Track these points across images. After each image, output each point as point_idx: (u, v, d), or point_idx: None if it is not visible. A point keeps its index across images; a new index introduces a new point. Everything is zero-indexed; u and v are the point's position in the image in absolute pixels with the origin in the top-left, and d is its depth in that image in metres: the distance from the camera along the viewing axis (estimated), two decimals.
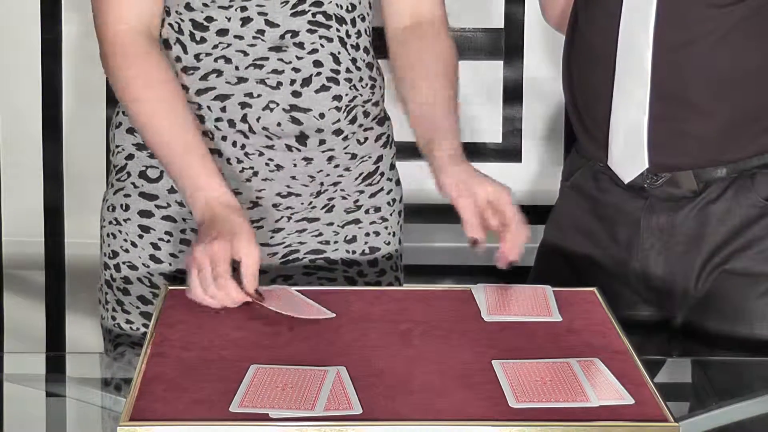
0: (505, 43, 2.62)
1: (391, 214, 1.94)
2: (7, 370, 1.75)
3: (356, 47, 1.83)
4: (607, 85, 1.91)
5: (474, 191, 1.72)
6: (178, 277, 1.84)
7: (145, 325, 1.87)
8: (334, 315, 1.61)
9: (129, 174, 1.86)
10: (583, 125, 1.98)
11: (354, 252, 1.90)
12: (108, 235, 1.88)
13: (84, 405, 1.67)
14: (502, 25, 2.63)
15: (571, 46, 2.00)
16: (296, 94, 1.78)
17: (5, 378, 1.71)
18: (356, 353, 1.49)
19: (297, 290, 1.67)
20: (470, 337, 1.55)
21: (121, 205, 1.86)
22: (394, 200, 1.94)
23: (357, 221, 1.90)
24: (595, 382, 1.42)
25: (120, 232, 1.86)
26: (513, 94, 2.63)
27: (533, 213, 2.67)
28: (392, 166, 1.95)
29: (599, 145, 1.94)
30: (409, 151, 2.60)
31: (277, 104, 1.78)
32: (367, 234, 1.91)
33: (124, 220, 1.86)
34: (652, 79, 1.87)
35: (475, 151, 2.60)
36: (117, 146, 1.89)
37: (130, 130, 1.86)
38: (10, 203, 2.76)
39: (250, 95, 1.78)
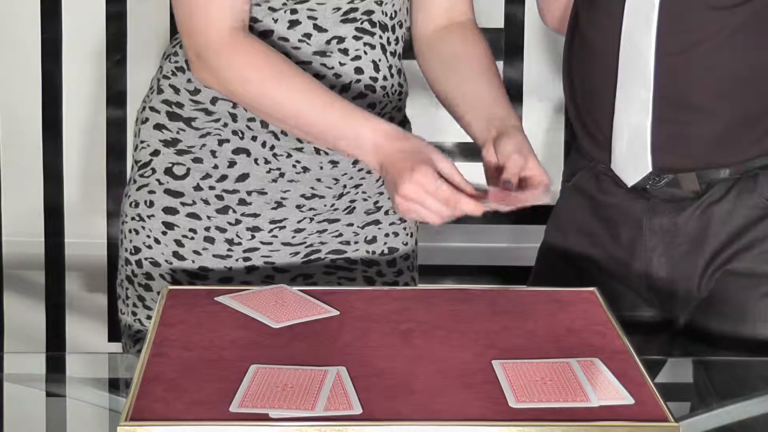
0: (505, 43, 2.62)
1: None
2: (7, 370, 1.75)
3: (394, 54, 1.83)
4: (609, 88, 1.91)
5: (527, 158, 1.69)
6: (200, 274, 1.84)
7: None
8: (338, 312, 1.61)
9: (154, 170, 1.85)
10: (585, 127, 1.98)
11: (374, 252, 1.91)
12: (130, 231, 1.87)
13: (84, 405, 1.67)
14: (502, 25, 2.63)
15: (572, 48, 2.00)
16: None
17: (5, 378, 1.71)
18: (356, 353, 1.49)
19: (299, 290, 1.68)
20: (470, 337, 1.55)
21: (145, 201, 1.86)
22: None
23: (377, 222, 1.90)
24: (595, 382, 1.42)
25: (143, 228, 1.86)
26: (513, 94, 2.63)
27: (533, 213, 2.68)
28: None
29: (601, 148, 1.94)
30: None
31: None
32: (387, 235, 1.91)
33: (148, 217, 1.86)
34: (654, 82, 1.86)
35: (475, 151, 2.59)
36: (142, 142, 1.87)
37: (159, 126, 1.85)
38: (10, 203, 2.76)
39: None
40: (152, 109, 1.86)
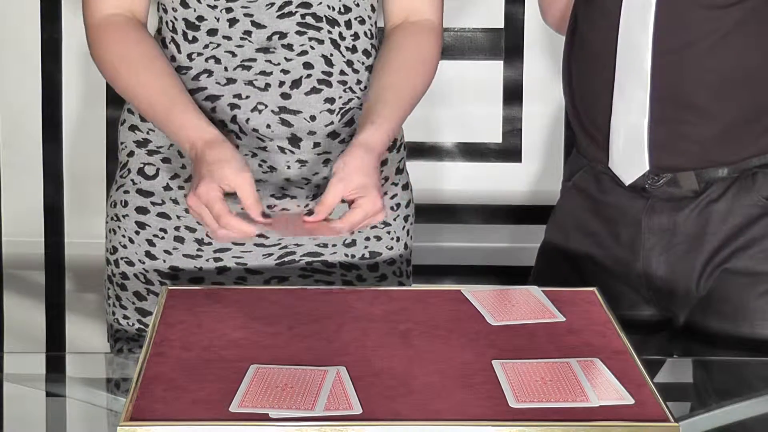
0: (505, 43, 2.62)
1: (395, 219, 1.93)
2: (7, 370, 1.75)
3: (353, 49, 1.83)
4: (607, 88, 1.91)
5: (351, 180, 1.68)
6: (171, 274, 1.84)
7: (140, 321, 1.87)
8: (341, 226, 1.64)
9: (129, 171, 1.87)
10: (583, 127, 1.98)
11: (353, 256, 1.90)
12: (110, 231, 1.90)
13: (84, 405, 1.67)
14: (502, 25, 2.62)
15: (571, 48, 2.00)
16: (285, 96, 1.78)
17: (5, 378, 1.71)
18: (356, 353, 1.49)
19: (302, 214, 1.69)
20: (470, 337, 1.55)
21: (121, 202, 1.87)
22: (398, 205, 1.93)
23: None
24: (595, 382, 1.42)
25: (119, 228, 1.87)
26: (513, 94, 2.63)
27: (533, 213, 2.68)
28: (399, 170, 1.94)
29: (599, 147, 1.94)
30: (420, 151, 2.61)
31: (266, 106, 1.78)
32: (368, 238, 1.90)
33: (123, 216, 1.87)
34: (651, 81, 1.87)
35: (475, 151, 2.60)
36: (121, 143, 1.90)
37: (133, 128, 1.87)
38: (10, 203, 2.76)
39: (238, 96, 1.78)
40: (129, 110, 1.90)
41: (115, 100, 2.74)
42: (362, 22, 1.84)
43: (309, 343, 1.52)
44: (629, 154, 1.90)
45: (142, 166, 1.86)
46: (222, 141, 1.69)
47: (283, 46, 1.78)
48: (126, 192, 1.87)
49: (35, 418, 1.67)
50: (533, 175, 2.65)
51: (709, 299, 1.92)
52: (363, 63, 1.84)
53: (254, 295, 1.68)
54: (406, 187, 1.96)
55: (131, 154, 1.87)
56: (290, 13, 1.78)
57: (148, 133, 1.85)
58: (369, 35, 1.85)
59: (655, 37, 1.86)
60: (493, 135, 2.65)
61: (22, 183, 2.75)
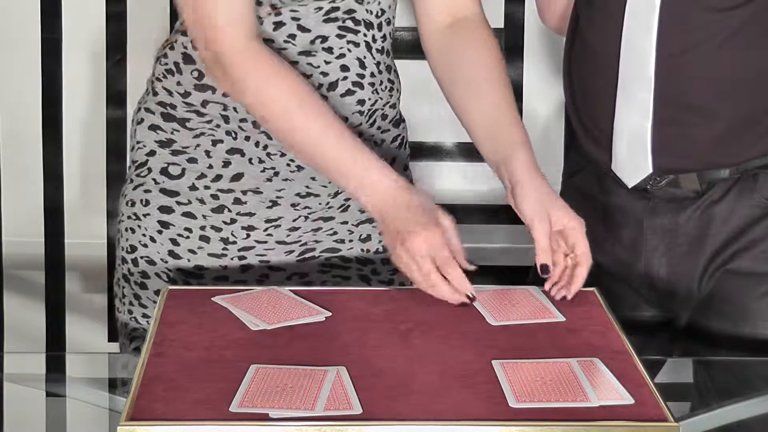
0: (505, 43, 2.62)
1: None
2: (7, 370, 1.75)
3: (381, 51, 1.83)
4: (610, 90, 1.91)
5: (551, 215, 1.69)
6: (196, 273, 1.84)
7: None
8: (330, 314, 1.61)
9: (150, 170, 1.86)
10: (585, 128, 1.98)
11: (368, 251, 1.91)
12: (126, 230, 1.88)
13: (84, 405, 1.67)
14: (502, 25, 2.63)
15: (572, 49, 2.00)
16: (322, 98, 1.77)
17: (5, 378, 1.71)
18: (356, 353, 1.49)
19: (290, 290, 1.68)
20: (470, 337, 1.55)
21: (141, 200, 1.86)
22: None
23: (371, 220, 1.89)
24: (595, 382, 1.42)
25: (139, 227, 1.86)
26: (513, 94, 2.63)
27: None
28: (405, 167, 1.95)
29: (602, 149, 1.94)
30: (421, 151, 2.62)
31: None
32: (381, 233, 1.91)
33: (144, 215, 1.86)
34: (655, 83, 1.87)
35: (475, 151, 2.59)
36: (138, 142, 1.88)
37: (154, 127, 1.85)
38: (10, 203, 2.76)
39: None
40: (147, 110, 1.87)
41: (115, 100, 2.74)
42: (388, 23, 1.85)
43: (309, 343, 1.52)
44: (633, 157, 1.90)
45: (165, 165, 1.85)
46: (411, 186, 1.68)
47: (323, 49, 1.78)
48: (147, 191, 1.86)
49: (35, 418, 1.67)
50: None
51: (711, 300, 1.92)
52: (385, 64, 1.85)
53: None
54: (411, 183, 1.96)
55: (152, 153, 1.86)
56: (335, 18, 1.78)
57: (172, 133, 1.84)
58: (391, 36, 1.86)
59: (659, 40, 1.86)
60: None
61: (22, 183, 2.75)
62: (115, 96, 2.74)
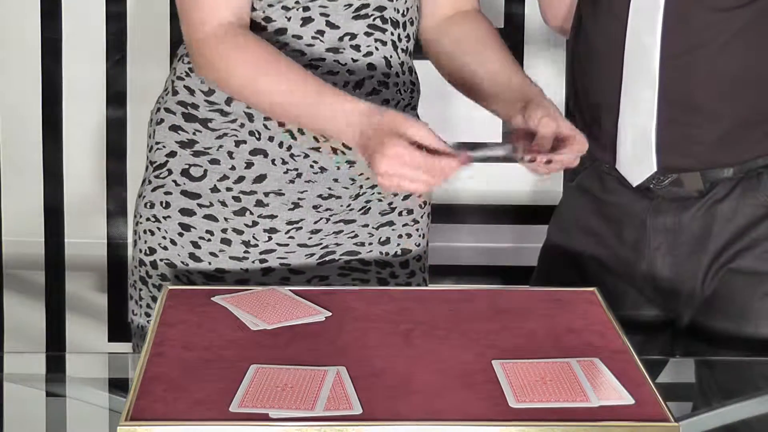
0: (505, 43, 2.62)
1: (422, 216, 1.93)
2: (7, 370, 1.75)
3: (405, 51, 1.83)
4: (614, 90, 1.91)
5: (558, 121, 1.68)
6: (217, 276, 1.83)
7: None
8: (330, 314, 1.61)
9: (170, 171, 1.84)
10: (589, 128, 1.97)
11: (387, 254, 1.90)
12: (145, 232, 1.87)
13: (84, 405, 1.67)
14: (502, 25, 2.63)
15: (576, 49, 2.00)
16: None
17: (5, 378, 1.71)
18: (356, 353, 1.49)
19: (290, 289, 1.67)
20: (470, 337, 1.55)
21: (161, 203, 1.85)
22: (425, 202, 1.94)
23: (391, 223, 1.89)
24: (595, 382, 1.41)
25: (159, 229, 1.85)
26: None
27: (535, 213, 2.68)
28: None
29: (605, 148, 1.94)
30: None
31: None
32: (400, 236, 1.91)
33: (164, 218, 1.85)
34: (659, 83, 1.87)
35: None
36: (157, 143, 1.86)
37: (174, 128, 1.84)
38: (10, 203, 2.76)
39: None
40: (167, 110, 1.85)
41: (115, 100, 2.74)
42: (412, 23, 1.85)
43: (309, 343, 1.52)
44: (637, 156, 1.90)
45: (186, 167, 1.84)
46: (380, 108, 1.64)
47: (351, 46, 1.78)
48: (168, 193, 1.84)
49: (35, 418, 1.67)
50: (533, 175, 2.65)
51: (713, 299, 1.92)
52: (408, 65, 1.85)
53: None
54: None
55: (172, 154, 1.84)
56: (366, 15, 1.78)
57: (194, 134, 1.83)
58: (414, 36, 1.87)
59: (663, 40, 1.86)
60: (494, 135, 2.65)
61: (22, 183, 2.75)
62: (115, 96, 2.74)
